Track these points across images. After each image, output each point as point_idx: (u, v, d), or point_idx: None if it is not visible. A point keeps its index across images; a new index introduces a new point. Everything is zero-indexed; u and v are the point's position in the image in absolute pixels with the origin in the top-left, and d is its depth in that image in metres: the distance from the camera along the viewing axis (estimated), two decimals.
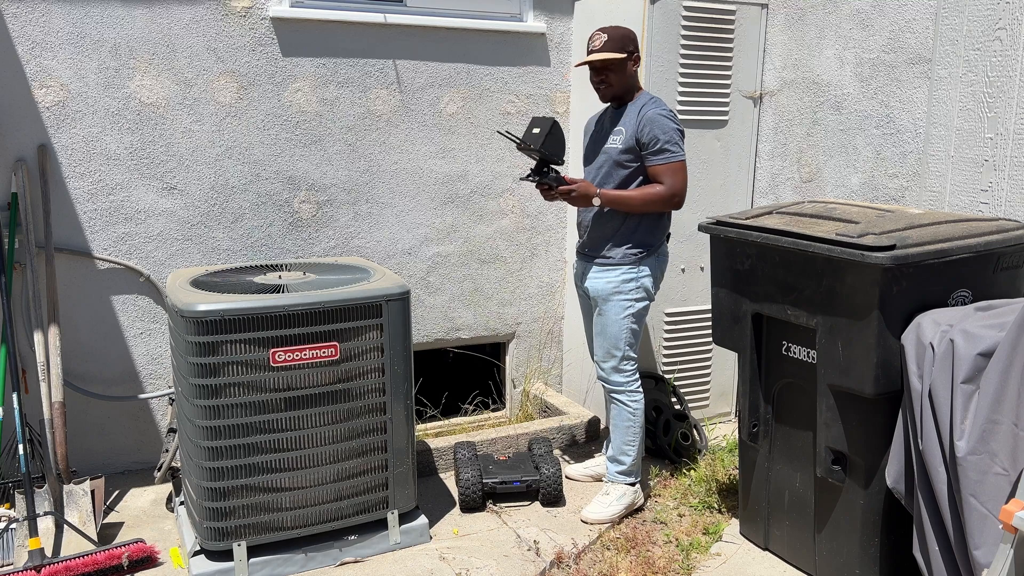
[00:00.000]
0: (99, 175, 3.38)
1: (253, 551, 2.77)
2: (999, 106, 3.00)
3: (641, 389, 3.28)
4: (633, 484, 3.29)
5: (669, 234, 3.29)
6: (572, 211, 4.31)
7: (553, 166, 3.10)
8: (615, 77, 3.10)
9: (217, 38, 3.46)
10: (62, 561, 2.67)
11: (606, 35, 3.07)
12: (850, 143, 3.62)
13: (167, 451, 3.30)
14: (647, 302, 3.22)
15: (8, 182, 3.23)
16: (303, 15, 3.55)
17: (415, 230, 3.97)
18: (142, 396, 3.57)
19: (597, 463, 3.60)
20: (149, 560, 2.85)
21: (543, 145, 3.00)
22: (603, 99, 3.19)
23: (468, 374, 4.43)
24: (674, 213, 3.24)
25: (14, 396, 2.97)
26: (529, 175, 3.09)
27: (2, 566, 2.79)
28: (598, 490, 3.40)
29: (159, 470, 3.35)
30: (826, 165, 3.75)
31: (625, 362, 3.22)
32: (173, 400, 3.33)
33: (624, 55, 3.07)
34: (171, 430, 3.29)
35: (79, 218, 3.37)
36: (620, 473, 3.27)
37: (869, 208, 2.76)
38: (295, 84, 3.62)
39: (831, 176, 3.73)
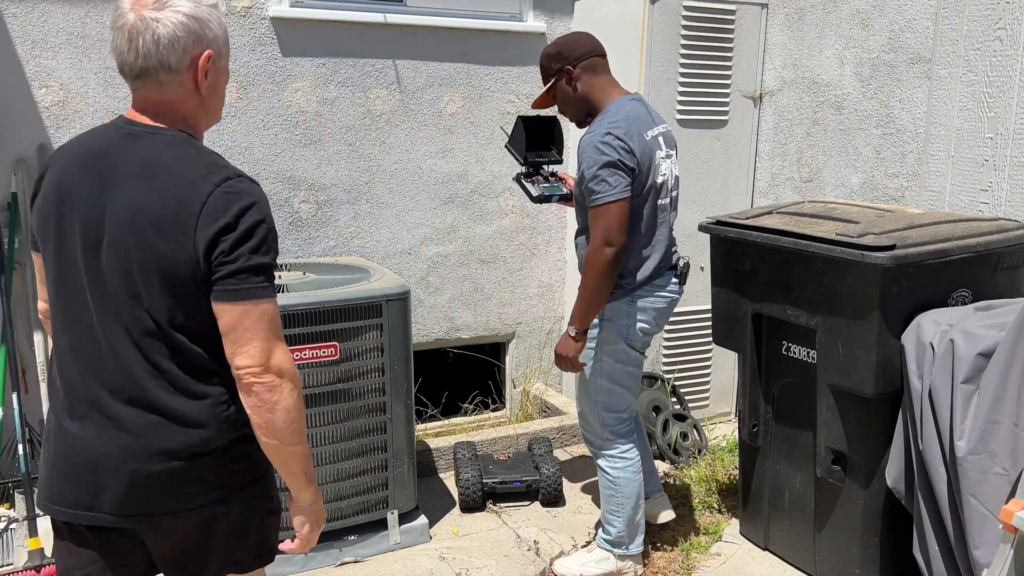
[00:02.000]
0: None
1: None
2: (999, 106, 2.99)
3: (629, 456, 2.70)
4: (622, 557, 2.78)
5: (678, 266, 2.70)
6: (571, 210, 4.30)
7: (530, 167, 2.92)
8: (560, 103, 2.66)
9: None
10: None
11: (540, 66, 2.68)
12: (850, 143, 3.62)
13: None
14: (617, 358, 2.64)
15: (8, 182, 3.23)
16: (303, 15, 3.55)
17: (415, 230, 3.97)
18: None
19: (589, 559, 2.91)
20: None
21: (508, 142, 2.89)
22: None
23: (468, 374, 4.42)
24: (676, 212, 2.75)
25: (14, 396, 2.97)
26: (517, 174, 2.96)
27: (2, 566, 2.79)
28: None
29: None
30: (826, 165, 3.74)
31: (604, 417, 2.71)
32: None
33: (549, 82, 2.62)
34: None
35: None
36: (606, 540, 2.80)
37: (869, 208, 2.76)
38: (295, 84, 3.62)
39: (831, 176, 3.73)
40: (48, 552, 2.79)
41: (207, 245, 1.38)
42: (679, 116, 3.80)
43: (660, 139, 2.58)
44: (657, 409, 3.78)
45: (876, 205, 2.83)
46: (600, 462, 2.76)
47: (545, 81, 2.65)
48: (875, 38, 3.46)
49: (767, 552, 2.99)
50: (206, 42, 1.46)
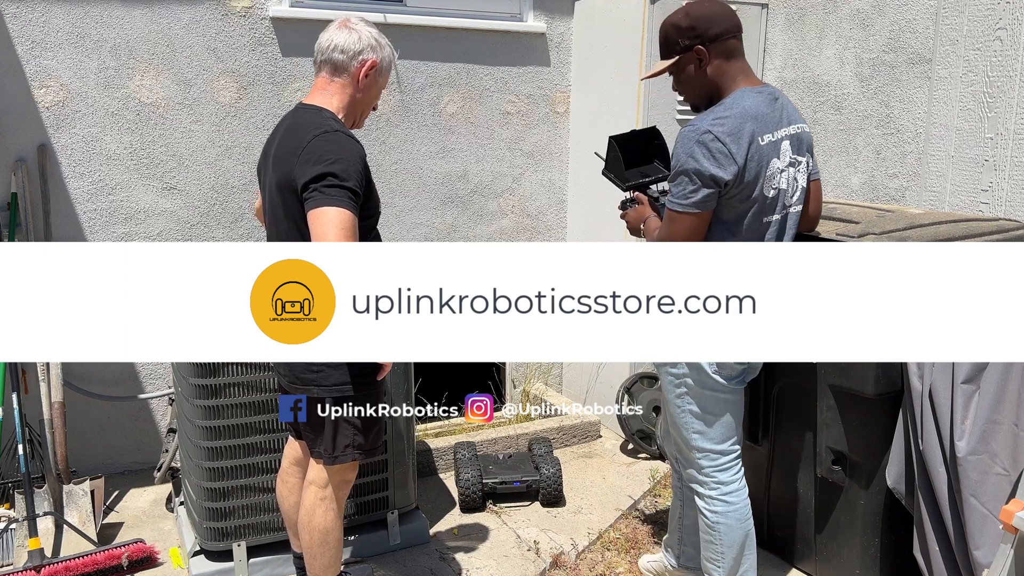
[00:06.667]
0: (99, 175, 3.38)
1: (253, 551, 2.77)
2: (999, 106, 2.99)
3: (732, 499, 2.36)
4: None
5: None
6: (572, 210, 4.31)
7: (635, 190, 2.48)
8: (680, 83, 2.28)
9: (217, 38, 3.46)
10: (62, 561, 2.67)
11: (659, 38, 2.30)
12: (850, 143, 3.62)
13: (167, 451, 3.30)
14: (704, 385, 2.31)
15: (8, 182, 3.23)
16: (303, 15, 3.55)
17: (415, 230, 3.97)
18: (142, 396, 3.57)
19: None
20: (149, 560, 2.85)
21: (605, 168, 2.48)
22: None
23: (468, 374, 4.42)
24: (795, 228, 2.34)
25: (14, 396, 2.97)
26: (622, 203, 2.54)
27: (2, 566, 2.79)
28: (600, 494, 3.38)
29: (159, 470, 3.35)
30: (826, 165, 3.74)
31: (696, 453, 2.38)
32: (173, 400, 3.33)
33: (672, 58, 2.22)
34: (171, 430, 3.29)
35: (79, 218, 3.37)
36: None
37: (869, 208, 2.76)
38: (295, 84, 3.61)
39: (831, 176, 3.73)
40: (48, 552, 2.79)
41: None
42: (679, 116, 3.79)
43: (785, 144, 2.18)
44: (657, 409, 3.78)
45: (876, 205, 2.83)
46: (698, 501, 2.42)
47: (666, 54, 2.24)
48: (875, 38, 3.46)
49: (767, 552, 2.99)
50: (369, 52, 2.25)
